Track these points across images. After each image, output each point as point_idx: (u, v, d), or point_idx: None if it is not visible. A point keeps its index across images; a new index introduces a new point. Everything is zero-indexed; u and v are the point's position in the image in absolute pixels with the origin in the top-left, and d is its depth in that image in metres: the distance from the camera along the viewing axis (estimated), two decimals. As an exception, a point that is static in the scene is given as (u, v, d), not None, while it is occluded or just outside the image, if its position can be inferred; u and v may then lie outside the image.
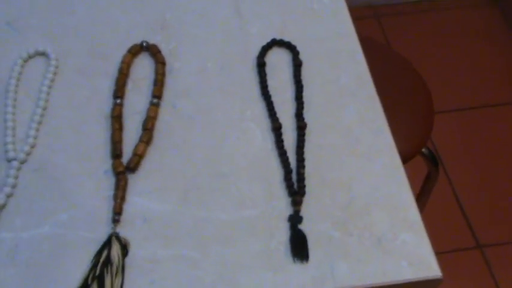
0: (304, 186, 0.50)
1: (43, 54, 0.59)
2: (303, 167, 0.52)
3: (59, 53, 0.59)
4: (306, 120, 0.55)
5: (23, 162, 0.51)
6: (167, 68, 0.59)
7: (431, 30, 1.68)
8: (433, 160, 0.99)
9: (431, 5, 1.74)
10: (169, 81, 0.58)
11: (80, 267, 0.46)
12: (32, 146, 0.52)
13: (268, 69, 0.59)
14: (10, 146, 0.51)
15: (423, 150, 0.96)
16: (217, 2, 0.65)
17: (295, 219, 0.48)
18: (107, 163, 0.52)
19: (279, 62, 0.60)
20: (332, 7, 0.65)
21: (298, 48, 0.61)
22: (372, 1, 1.69)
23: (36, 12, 0.62)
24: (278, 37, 0.61)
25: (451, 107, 1.51)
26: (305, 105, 0.56)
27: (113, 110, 0.55)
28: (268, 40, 0.61)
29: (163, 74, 0.58)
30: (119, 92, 0.56)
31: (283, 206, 0.50)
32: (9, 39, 0.60)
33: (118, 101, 0.55)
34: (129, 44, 0.60)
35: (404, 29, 1.67)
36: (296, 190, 0.50)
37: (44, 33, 0.61)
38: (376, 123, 0.56)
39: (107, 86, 0.57)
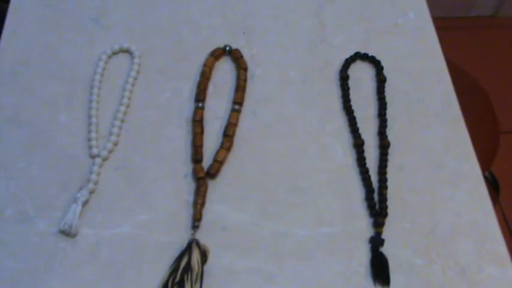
0: (387, 207, 0.49)
1: (127, 51, 0.59)
2: (386, 187, 0.50)
3: (140, 51, 0.59)
4: (388, 138, 0.54)
5: (105, 159, 0.51)
6: (248, 73, 0.58)
7: (493, 46, 1.63)
8: (495, 185, 0.96)
9: (493, 20, 1.68)
10: (250, 87, 0.57)
11: (158, 271, 0.46)
12: (115, 144, 0.52)
13: (351, 83, 0.58)
14: (94, 143, 0.52)
15: (485, 173, 0.93)
16: (300, 11, 0.64)
17: (376, 242, 0.47)
18: (186, 167, 0.52)
19: (362, 77, 0.59)
20: (417, 23, 0.63)
21: (382, 63, 0.59)
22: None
23: (120, 9, 0.63)
24: (361, 50, 0.60)
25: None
26: (387, 123, 0.55)
27: (195, 113, 0.54)
28: (351, 53, 0.60)
29: (245, 80, 0.57)
30: (201, 95, 0.56)
31: (363, 226, 0.49)
32: (94, 35, 0.60)
33: (200, 104, 0.55)
34: (210, 47, 0.60)
35: (464, 44, 1.62)
36: (378, 211, 0.49)
37: (127, 30, 0.61)
38: (461, 147, 0.54)
39: (188, 88, 0.57)
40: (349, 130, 0.54)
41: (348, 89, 0.57)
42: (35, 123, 0.53)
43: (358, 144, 0.53)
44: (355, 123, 0.54)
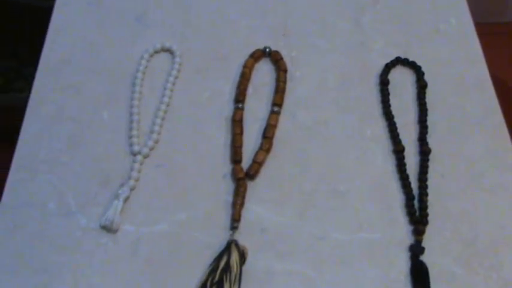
0: (427, 215, 0.48)
1: (168, 50, 0.60)
2: (426, 194, 0.50)
3: (181, 50, 0.60)
4: (429, 145, 0.53)
5: (146, 156, 0.52)
6: (288, 75, 0.58)
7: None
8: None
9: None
10: (289, 89, 0.57)
11: (196, 269, 0.46)
12: (156, 142, 0.53)
13: (391, 88, 0.57)
14: (135, 140, 0.52)
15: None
16: (340, 14, 0.64)
17: (417, 250, 0.46)
18: (225, 167, 0.52)
19: (402, 82, 0.58)
20: (460, 29, 0.62)
21: (422, 69, 0.58)
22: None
23: (162, 8, 0.63)
24: (401, 55, 0.59)
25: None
26: (428, 130, 0.54)
27: (235, 114, 0.55)
28: (391, 58, 0.59)
29: (284, 82, 0.57)
30: (241, 96, 0.56)
31: (403, 233, 0.48)
32: (137, 33, 0.61)
33: (239, 105, 0.55)
34: (249, 48, 0.60)
35: (498, 50, 1.59)
36: (418, 218, 0.48)
37: (169, 29, 0.62)
38: (503, 156, 0.53)
39: (227, 88, 0.57)
40: (389, 136, 0.54)
41: (388, 94, 0.57)
42: (78, 119, 0.54)
43: (399, 151, 0.52)
44: (395, 128, 0.54)
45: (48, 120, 0.54)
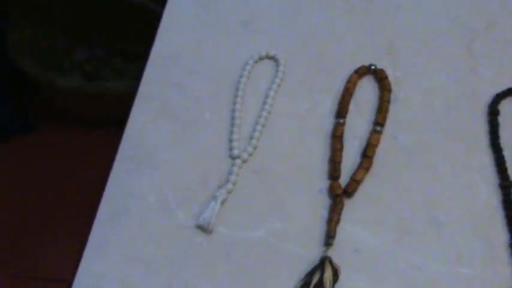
0: (534, 258, 0.46)
1: (272, 58, 0.60)
2: (534, 236, 0.47)
3: (285, 59, 0.60)
4: (538, 184, 0.50)
5: (244, 161, 0.52)
6: (392, 95, 0.57)
7: None
8: None
9: None
10: (392, 109, 0.56)
11: (287, 281, 0.46)
12: (255, 148, 0.53)
13: (501, 119, 0.55)
14: (235, 144, 0.53)
15: None
16: (450, 38, 0.62)
17: (521, 294, 0.44)
18: (322, 181, 0.51)
19: (513, 114, 0.56)
20: None
21: (536, 102, 0.56)
22: None
23: (269, 16, 0.64)
24: (513, 86, 0.57)
25: None
26: (538, 168, 0.52)
27: (335, 129, 0.54)
28: (502, 88, 0.57)
29: (388, 102, 0.56)
30: (343, 111, 0.55)
31: (506, 274, 0.46)
32: (242, 39, 0.62)
33: (341, 120, 0.55)
34: (353, 64, 0.59)
35: None
36: (525, 261, 0.46)
37: (274, 37, 0.62)
38: None
39: (329, 102, 0.57)
40: (496, 169, 0.52)
41: (498, 125, 0.54)
42: (181, 117, 0.55)
43: (506, 186, 0.50)
44: (504, 162, 0.52)
45: (153, 115, 0.56)
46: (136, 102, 0.56)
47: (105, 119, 1.44)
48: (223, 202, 0.49)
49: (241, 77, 0.58)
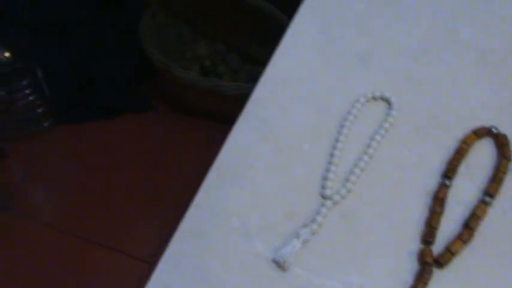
0: None
1: (385, 100, 0.57)
2: None
3: (399, 104, 0.57)
4: None
5: (335, 203, 0.50)
6: (510, 165, 0.52)
7: None
8: None
9: None
10: (508, 181, 0.51)
11: None
12: (349, 191, 0.51)
13: None
14: (329, 184, 0.51)
15: None
16: None
17: None
18: (413, 244, 0.48)
19: None
20: None
21: None
22: None
23: (388, 55, 0.61)
24: None
25: None
26: None
27: (439, 190, 0.50)
28: None
29: (505, 172, 0.51)
30: (450, 172, 0.51)
31: None
32: (357, 74, 0.60)
33: (446, 182, 0.51)
34: (473, 121, 0.55)
35: None
36: None
37: (391, 77, 0.59)
38: None
39: (436, 159, 0.53)
40: None
41: None
42: (279, 143, 0.55)
43: None
44: None
45: (253, 135, 0.56)
46: (240, 119, 0.57)
47: (215, 113, 1.49)
48: (305, 242, 0.48)
49: (349, 113, 0.56)
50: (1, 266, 1.29)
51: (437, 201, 0.49)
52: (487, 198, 0.49)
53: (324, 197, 0.51)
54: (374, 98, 0.58)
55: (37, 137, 1.52)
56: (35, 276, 1.28)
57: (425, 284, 0.45)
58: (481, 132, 0.54)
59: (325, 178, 0.52)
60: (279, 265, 0.47)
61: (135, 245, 1.33)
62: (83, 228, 1.36)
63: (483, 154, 0.53)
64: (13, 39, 1.31)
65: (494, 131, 0.54)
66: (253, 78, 1.58)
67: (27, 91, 1.36)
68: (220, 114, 1.56)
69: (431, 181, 0.52)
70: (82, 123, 1.54)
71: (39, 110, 1.45)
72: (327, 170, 0.52)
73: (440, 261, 0.46)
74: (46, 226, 1.37)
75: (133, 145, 1.54)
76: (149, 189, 1.44)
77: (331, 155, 0.53)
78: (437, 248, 0.47)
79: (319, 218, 0.49)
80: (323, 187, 0.51)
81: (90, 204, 1.41)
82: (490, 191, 0.50)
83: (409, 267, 0.47)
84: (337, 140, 0.54)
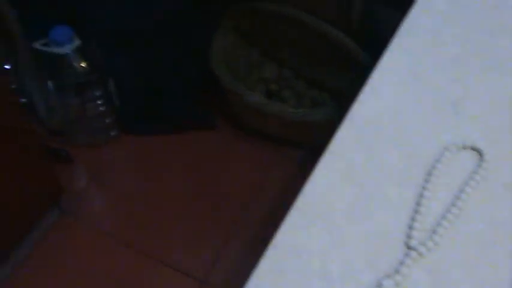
0: None
1: (477, 150, 0.55)
2: None
3: (491, 155, 0.55)
4: None
5: (420, 255, 0.48)
6: None
7: None
8: None
9: None
10: None
11: None
12: (436, 244, 0.49)
13: None
14: (415, 234, 0.49)
15: None
16: None
17: None
18: (502, 308, 0.46)
19: None
20: None
21: None
22: None
23: (482, 102, 0.59)
24: None
25: None
26: None
27: (534, 253, 0.48)
28: None
29: None
30: (547, 235, 0.48)
31: None
32: (448, 120, 0.58)
33: (542, 245, 0.48)
34: None
35: None
36: None
37: (485, 127, 0.57)
38: None
39: (532, 218, 0.50)
40: None
41: None
42: (364, 186, 0.54)
43: None
44: None
45: (337, 176, 0.55)
46: (324, 158, 0.56)
47: (276, 135, 1.49)
48: (386, 293, 0.46)
49: (438, 161, 0.54)
50: (56, 269, 1.33)
51: (532, 265, 0.47)
52: None
53: (409, 247, 0.49)
54: (464, 148, 0.55)
55: (102, 146, 1.57)
56: (86, 281, 1.31)
57: None
58: None
59: (410, 227, 0.50)
60: (360, 315, 0.45)
61: (189, 261, 1.33)
62: (138, 238, 1.38)
63: None
64: (91, 51, 1.36)
65: None
66: (317, 103, 1.58)
67: (99, 101, 1.41)
68: (281, 137, 1.56)
69: (525, 242, 0.49)
70: (146, 135, 1.58)
71: (108, 120, 1.49)
72: (413, 219, 0.51)
73: (535, 332, 0.43)
74: (101, 233, 1.40)
75: (193, 161, 1.56)
76: (206, 206, 1.45)
77: (418, 204, 0.52)
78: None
79: (403, 270, 0.47)
80: (408, 236, 0.50)
81: (147, 215, 1.44)
82: None
83: (498, 333, 0.44)
84: (424, 188, 0.52)
